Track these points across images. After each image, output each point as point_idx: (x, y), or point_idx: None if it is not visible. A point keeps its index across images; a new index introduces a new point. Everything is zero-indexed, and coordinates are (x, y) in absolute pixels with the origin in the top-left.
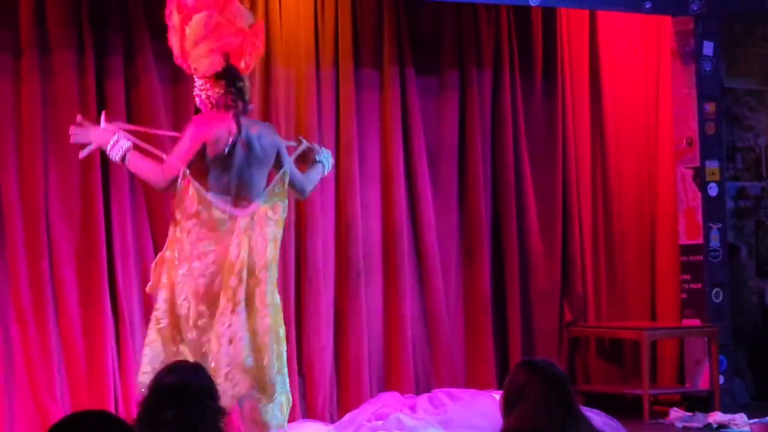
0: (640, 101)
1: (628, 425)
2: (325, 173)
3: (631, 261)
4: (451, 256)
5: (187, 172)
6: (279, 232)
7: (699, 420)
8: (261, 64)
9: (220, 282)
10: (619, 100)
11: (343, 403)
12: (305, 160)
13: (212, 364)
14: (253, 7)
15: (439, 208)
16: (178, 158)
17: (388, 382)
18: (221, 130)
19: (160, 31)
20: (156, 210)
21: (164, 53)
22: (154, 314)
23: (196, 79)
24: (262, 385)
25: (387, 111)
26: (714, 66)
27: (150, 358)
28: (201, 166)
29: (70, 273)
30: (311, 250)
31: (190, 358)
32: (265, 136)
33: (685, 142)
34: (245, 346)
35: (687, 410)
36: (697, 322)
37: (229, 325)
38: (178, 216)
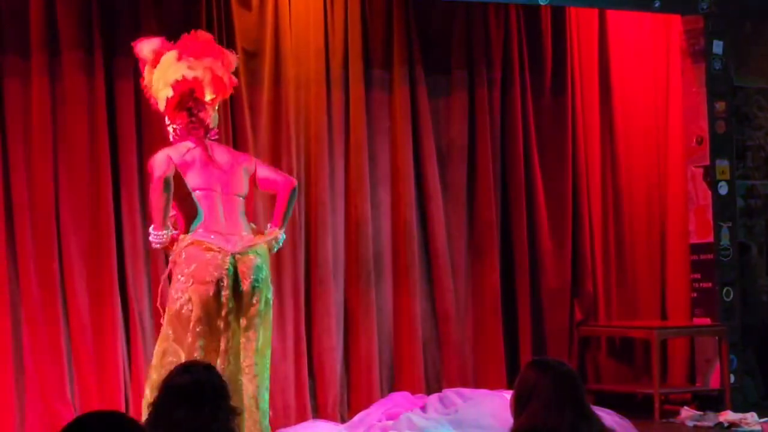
0: (650, 100)
1: (639, 424)
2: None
3: (641, 260)
4: (461, 256)
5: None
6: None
7: (710, 419)
8: (270, 65)
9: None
10: (628, 99)
11: (354, 403)
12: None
13: None
14: (262, 8)
15: (449, 207)
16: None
17: (398, 381)
18: (178, 148)
19: (170, 32)
20: None
21: None
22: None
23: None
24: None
25: (397, 111)
26: (724, 65)
27: None
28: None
29: (80, 273)
30: (322, 250)
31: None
32: (231, 159)
33: (695, 140)
34: None
35: (698, 409)
36: (707, 320)
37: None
38: (172, 256)
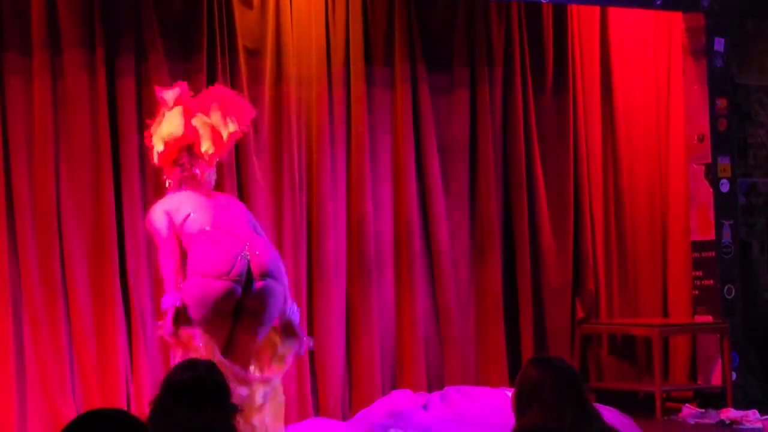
0: (652, 98)
1: (641, 422)
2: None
3: (642, 257)
4: (463, 254)
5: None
6: None
7: (711, 417)
8: (272, 63)
9: None
10: (630, 96)
11: (356, 401)
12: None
13: None
14: (264, 6)
15: (450, 205)
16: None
17: (400, 379)
18: (173, 199)
19: (171, 30)
20: None
21: (175, 52)
22: None
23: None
24: None
25: (398, 109)
26: (725, 62)
27: None
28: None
29: (81, 272)
30: (323, 248)
31: None
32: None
33: (696, 138)
34: None
35: (699, 407)
36: (709, 318)
37: None
38: None
